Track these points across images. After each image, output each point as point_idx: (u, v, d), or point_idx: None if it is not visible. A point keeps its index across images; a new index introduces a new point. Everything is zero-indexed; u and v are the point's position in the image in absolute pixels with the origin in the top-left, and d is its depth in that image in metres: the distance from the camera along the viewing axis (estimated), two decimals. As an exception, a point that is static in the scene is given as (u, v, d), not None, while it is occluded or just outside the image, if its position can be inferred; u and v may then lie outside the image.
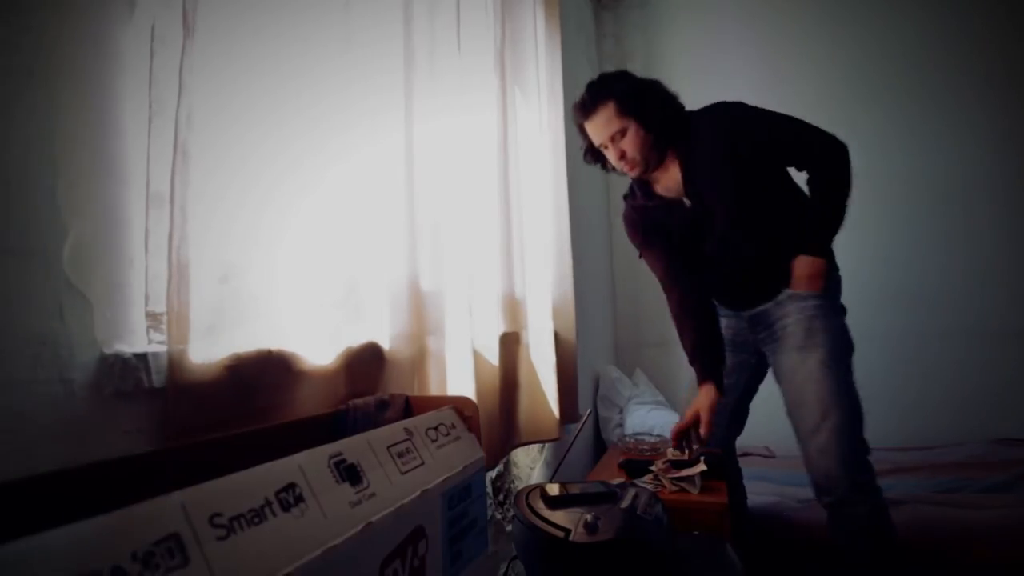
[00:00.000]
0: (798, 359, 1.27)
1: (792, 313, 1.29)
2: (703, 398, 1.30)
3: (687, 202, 1.33)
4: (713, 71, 2.71)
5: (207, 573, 0.31)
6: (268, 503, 0.37)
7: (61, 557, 0.26)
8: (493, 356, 1.15)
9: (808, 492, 1.67)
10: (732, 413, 1.49)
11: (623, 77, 1.31)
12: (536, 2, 1.61)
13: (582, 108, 1.30)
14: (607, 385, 2.32)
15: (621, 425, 2.19)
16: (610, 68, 2.83)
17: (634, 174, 1.33)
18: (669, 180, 1.34)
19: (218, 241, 0.61)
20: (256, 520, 0.36)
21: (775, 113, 1.27)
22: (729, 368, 1.43)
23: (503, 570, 1.06)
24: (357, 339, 0.81)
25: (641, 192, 1.40)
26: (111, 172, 0.53)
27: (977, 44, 2.46)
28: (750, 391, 1.50)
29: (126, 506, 0.30)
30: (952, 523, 1.51)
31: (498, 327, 1.25)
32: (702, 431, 1.28)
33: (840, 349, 1.27)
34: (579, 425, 1.48)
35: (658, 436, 1.70)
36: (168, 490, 0.33)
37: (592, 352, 2.30)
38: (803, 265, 1.26)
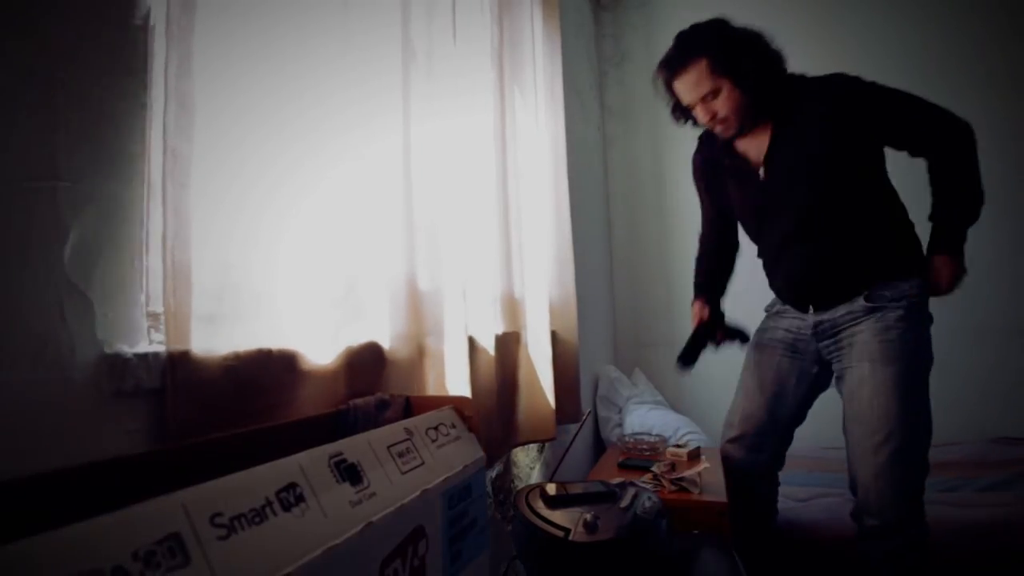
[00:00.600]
0: (869, 371, 1.14)
1: (869, 321, 1.16)
2: (702, 308, 1.36)
3: (762, 174, 1.21)
4: (712, 71, 2.71)
5: (208, 572, 0.31)
6: (269, 503, 0.37)
7: (62, 557, 0.26)
8: (492, 356, 1.15)
9: (808, 492, 1.68)
10: (787, 423, 1.36)
11: (719, 28, 1.17)
12: (534, 3, 1.61)
13: (668, 65, 1.18)
14: (606, 385, 2.32)
15: (620, 425, 2.19)
16: (609, 69, 2.88)
17: (726, 135, 1.22)
18: (753, 145, 1.22)
19: (218, 241, 0.61)
20: (257, 520, 0.36)
21: (893, 88, 1.15)
22: (787, 373, 1.33)
23: (503, 570, 1.06)
24: (357, 339, 0.81)
25: (719, 145, 1.27)
26: (111, 172, 0.53)
27: (977, 44, 2.47)
28: (807, 402, 1.36)
29: (127, 506, 0.30)
30: (952, 522, 1.52)
31: (497, 327, 1.25)
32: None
33: (919, 365, 1.15)
34: (579, 425, 1.48)
35: (657, 436, 1.70)
36: (169, 490, 0.33)
37: (592, 352, 2.30)
38: (945, 268, 1.12)
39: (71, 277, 0.49)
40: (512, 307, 1.33)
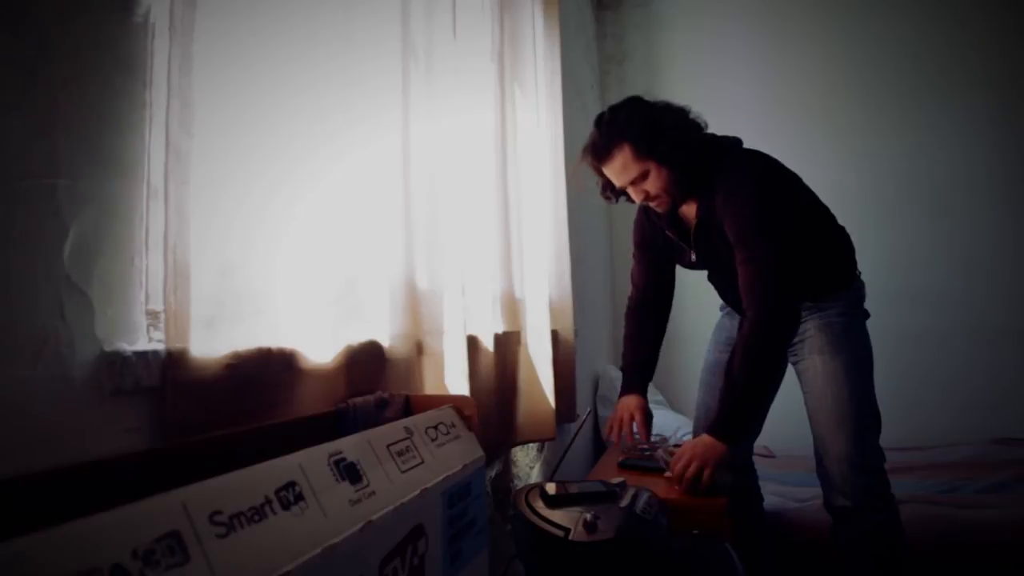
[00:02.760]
0: (820, 363, 1.24)
1: (814, 319, 1.26)
2: (633, 402, 1.35)
3: (693, 257, 1.29)
4: (713, 71, 2.71)
5: (207, 571, 0.31)
6: (268, 501, 0.37)
7: (62, 554, 0.26)
8: (491, 355, 1.15)
9: (808, 492, 1.68)
10: None
11: (634, 111, 1.17)
12: (535, 1, 1.61)
13: (595, 153, 1.19)
14: (606, 385, 2.32)
15: (621, 425, 2.19)
16: (610, 68, 2.89)
17: (664, 211, 1.25)
18: (691, 211, 1.26)
19: (218, 239, 0.61)
20: (256, 518, 0.36)
21: (766, 231, 1.11)
22: None
23: (502, 570, 1.06)
24: (357, 338, 0.81)
25: (656, 217, 1.33)
26: (112, 171, 0.53)
27: (978, 44, 2.47)
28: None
29: (127, 504, 0.30)
30: (951, 523, 1.51)
31: (497, 326, 1.25)
32: (640, 434, 1.33)
33: (863, 353, 1.25)
34: (578, 424, 1.48)
35: (657, 436, 1.70)
36: (168, 488, 0.33)
37: (591, 352, 2.30)
38: (696, 445, 1.15)
39: (71, 275, 0.49)
40: (512, 306, 1.33)
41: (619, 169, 1.17)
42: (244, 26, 0.65)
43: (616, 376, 2.37)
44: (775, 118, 2.55)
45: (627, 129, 1.15)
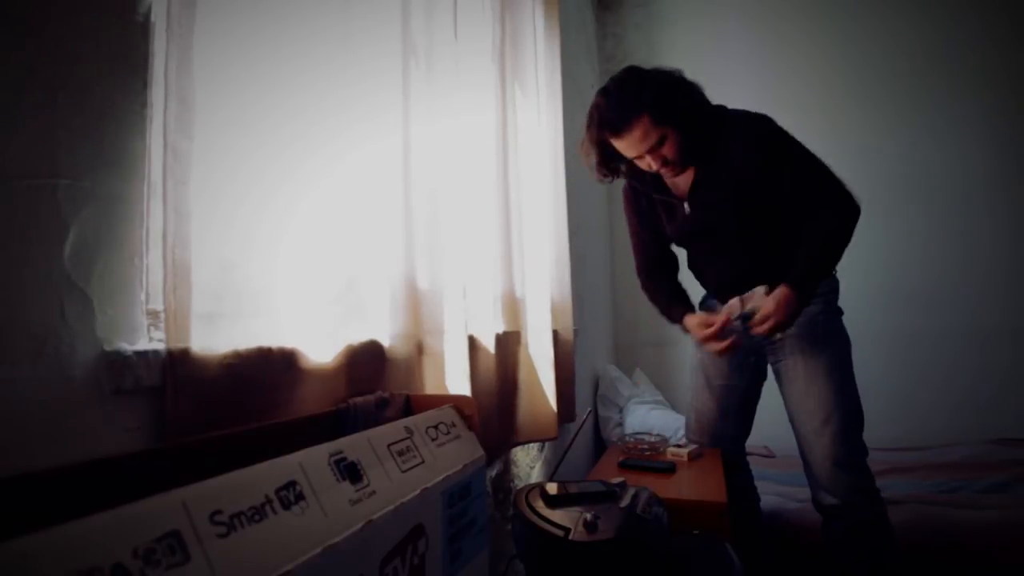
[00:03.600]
0: (801, 362, 1.26)
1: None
2: (698, 318, 1.29)
3: (687, 208, 1.31)
4: (713, 71, 2.68)
5: (208, 570, 0.31)
6: (269, 501, 0.37)
7: (62, 554, 0.26)
8: (492, 355, 1.15)
9: (808, 492, 1.67)
10: (737, 416, 1.48)
11: (647, 81, 1.19)
12: (536, 1, 1.60)
13: (610, 125, 1.19)
14: (607, 385, 2.32)
15: (621, 424, 2.19)
16: (611, 68, 2.88)
17: (673, 177, 1.29)
18: (680, 180, 1.31)
19: (218, 239, 0.61)
20: (256, 518, 0.36)
21: (807, 150, 1.23)
22: (727, 370, 1.43)
23: (502, 569, 1.06)
24: (357, 337, 0.81)
25: (649, 179, 1.35)
26: (112, 170, 0.53)
27: (977, 45, 2.47)
28: (753, 392, 1.48)
29: (127, 503, 0.30)
30: (950, 523, 1.52)
31: (497, 326, 1.25)
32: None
33: (843, 352, 1.26)
34: (579, 424, 1.48)
35: (658, 436, 1.70)
36: (169, 487, 0.33)
37: (592, 352, 2.30)
38: (779, 297, 1.16)
39: (71, 275, 0.49)
40: (513, 306, 1.33)
41: (639, 138, 1.19)
42: (244, 26, 0.65)
43: (616, 376, 2.38)
44: (774, 117, 2.54)
45: (643, 99, 1.17)
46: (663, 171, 1.25)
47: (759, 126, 1.24)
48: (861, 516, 1.22)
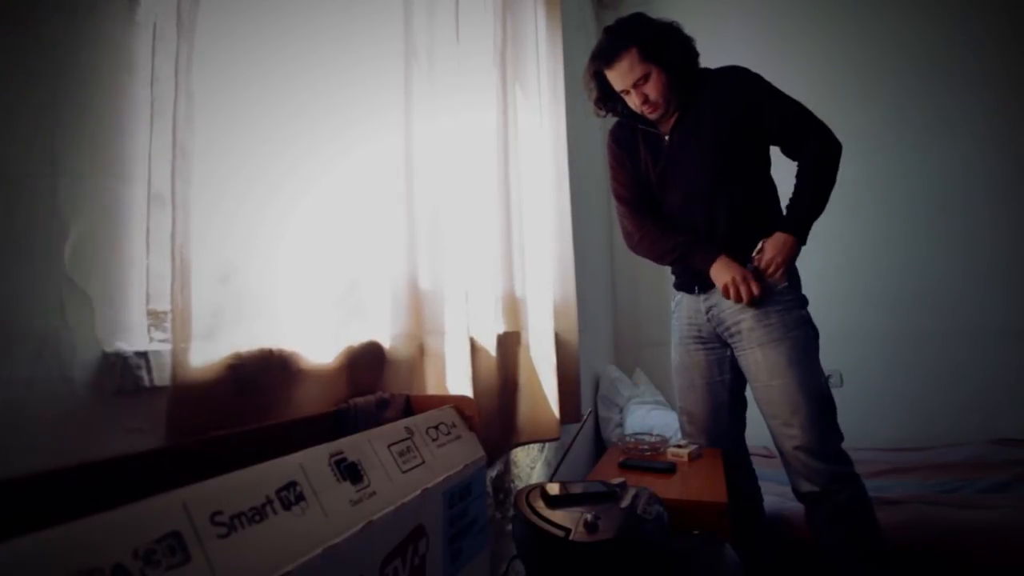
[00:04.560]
0: (761, 356, 1.28)
1: (749, 310, 1.29)
2: (728, 262, 1.31)
3: (667, 141, 1.37)
4: (714, 71, 2.71)
5: (208, 571, 0.31)
6: (269, 501, 0.37)
7: (63, 555, 0.26)
8: (493, 355, 1.15)
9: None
10: (730, 409, 1.48)
11: (643, 22, 1.31)
12: (537, 1, 1.60)
13: (603, 56, 1.30)
14: (607, 385, 2.32)
15: (621, 425, 2.19)
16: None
17: (655, 116, 1.35)
18: (663, 124, 1.39)
19: (219, 240, 0.60)
20: (257, 518, 0.36)
21: (787, 96, 1.31)
22: (707, 366, 1.44)
23: (503, 569, 1.06)
24: (358, 338, 0.81)
25: (642, 117, 1.40)
26: (113, 171, 0.53)
27: (976, 44, 2.47)
28: (739, 383, 1.46)
29: (127, 504, 0.30)
30: (952, 523, 1.52)
31: (498, 327, 1.25)
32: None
33: (804, 341, 1.27)
34: (579, 425, 1.48)
35: (658, 436, 1.70)
36: (169, 488, 0.33)
37: (592, 352, 2.30)
38: (777, 240, 1.25)
39: (72, 275, 0.49)
40: (513, 307, 1.32)
41: (625, 70, 1.28)
42: (246, 26, 0.65)
43: (617, 376, 2.38)
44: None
45: (635, 34, 1.28)
46: (645, 109, 1.32)
47: (740, 71, 1.34)
48: (840, 499, 1.23)
